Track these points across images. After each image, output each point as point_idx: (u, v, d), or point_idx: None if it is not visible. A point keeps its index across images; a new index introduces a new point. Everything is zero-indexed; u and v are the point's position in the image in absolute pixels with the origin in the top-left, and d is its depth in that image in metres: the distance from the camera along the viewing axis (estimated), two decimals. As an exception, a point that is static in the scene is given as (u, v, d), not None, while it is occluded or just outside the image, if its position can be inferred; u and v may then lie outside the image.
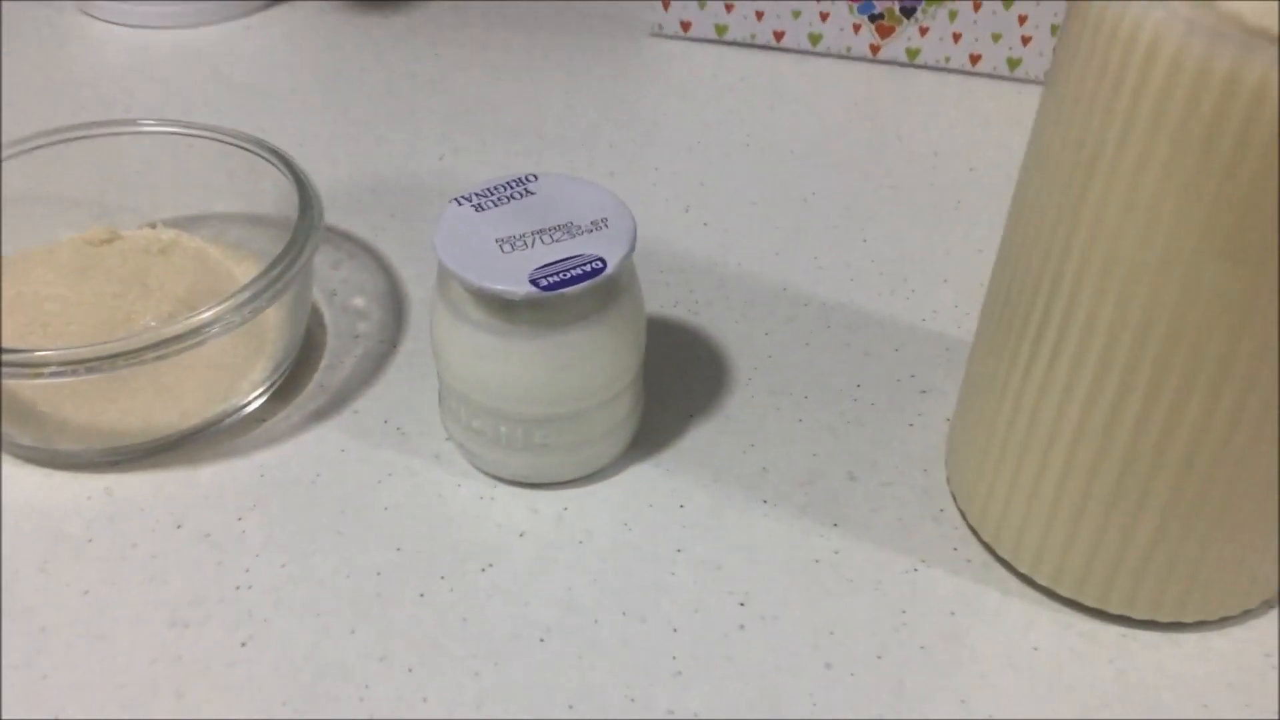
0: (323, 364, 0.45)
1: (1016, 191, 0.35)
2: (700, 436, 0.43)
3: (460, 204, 0.39)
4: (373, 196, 0.54)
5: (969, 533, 0.39)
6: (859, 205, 0.53)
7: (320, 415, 0.43)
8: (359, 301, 0.48)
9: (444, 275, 0.38)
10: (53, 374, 0.37)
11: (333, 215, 0.52)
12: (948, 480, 0.41)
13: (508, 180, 0.40)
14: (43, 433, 0.41)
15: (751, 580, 0.38)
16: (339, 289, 0.49)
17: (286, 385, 0.44)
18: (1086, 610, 0.37)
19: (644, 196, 0.54)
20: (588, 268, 0.36)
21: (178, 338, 0.38)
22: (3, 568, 0.38)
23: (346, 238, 0.51)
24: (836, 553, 0.39)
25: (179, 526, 0.39)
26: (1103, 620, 0.37)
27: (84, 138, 0.47)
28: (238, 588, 0.37)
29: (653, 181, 0.55)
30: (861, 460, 0.42)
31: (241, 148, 0.46)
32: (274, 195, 0.46)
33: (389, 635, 0.36)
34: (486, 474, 0.41)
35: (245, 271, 0.46)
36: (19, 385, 0.39)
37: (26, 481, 0.40)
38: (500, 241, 0.37)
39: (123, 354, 0.38)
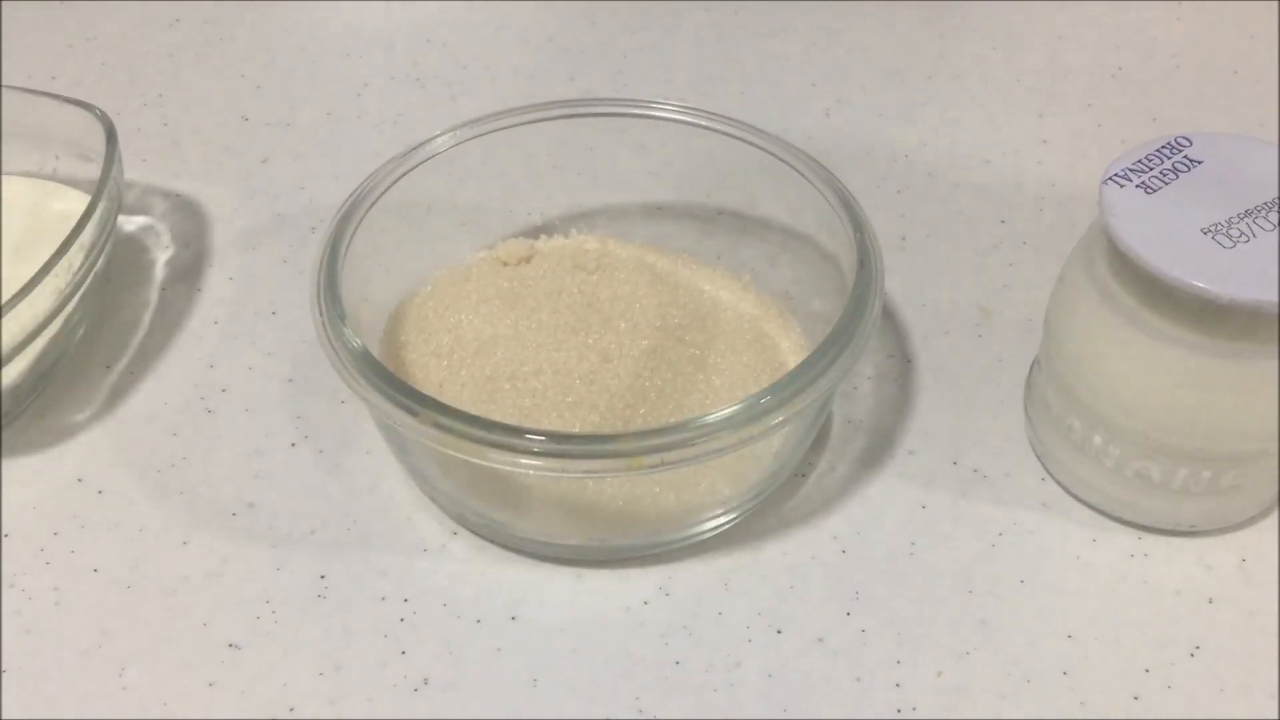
0: (835, 392, 0.37)
1: None
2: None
3: (1120, 185, 0.30)
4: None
5: None
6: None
7: (870, 461, 0.35)
8: (816, 304, 0.39)
9: (1115, 281, 0.29)
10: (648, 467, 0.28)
11: (732, 192, 0.42)
12: None
13: (1156, 148, 0.31)
14: (580, 527, 0.32)
15: None
16: (793, 290, 0.40)
17: (810, 425, 0.35)
18: None
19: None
20: (1357, 261, 0.28)
21: (759, 414, 0.29)
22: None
23: (773, 226, 0.42)
24: None
25: (779, 632, 0.31)
26: None
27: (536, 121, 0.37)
28: (899, 711, 0.29)
29: (1104, 125, 0.46)
30: None
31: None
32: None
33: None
34: (1125, 523, 0.33)
35: (705, 281, 0.37)
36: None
37: (559, 589, 0.32)
38: (1209, 233, 0.29)
39: (699, 439, 0.29)
